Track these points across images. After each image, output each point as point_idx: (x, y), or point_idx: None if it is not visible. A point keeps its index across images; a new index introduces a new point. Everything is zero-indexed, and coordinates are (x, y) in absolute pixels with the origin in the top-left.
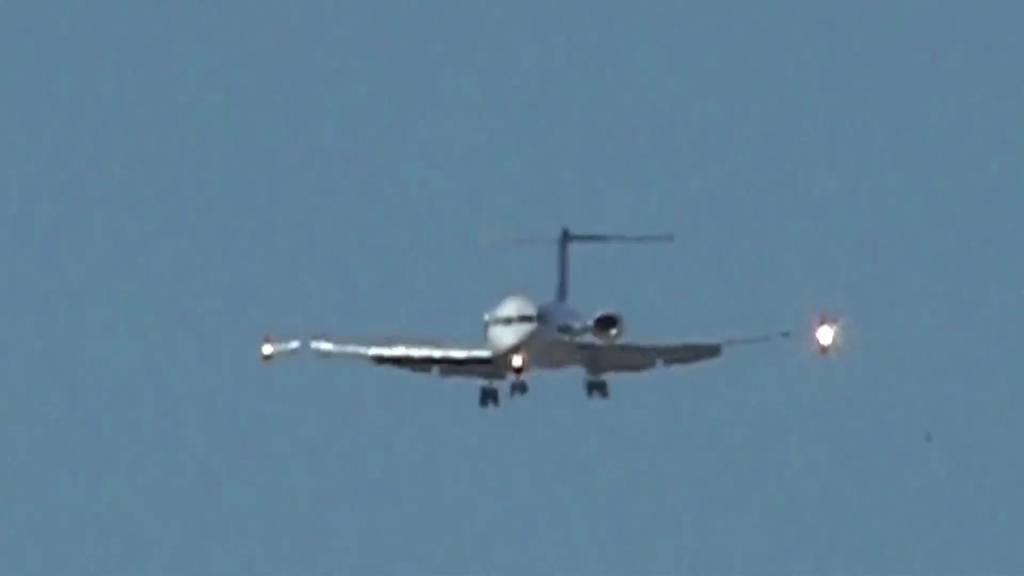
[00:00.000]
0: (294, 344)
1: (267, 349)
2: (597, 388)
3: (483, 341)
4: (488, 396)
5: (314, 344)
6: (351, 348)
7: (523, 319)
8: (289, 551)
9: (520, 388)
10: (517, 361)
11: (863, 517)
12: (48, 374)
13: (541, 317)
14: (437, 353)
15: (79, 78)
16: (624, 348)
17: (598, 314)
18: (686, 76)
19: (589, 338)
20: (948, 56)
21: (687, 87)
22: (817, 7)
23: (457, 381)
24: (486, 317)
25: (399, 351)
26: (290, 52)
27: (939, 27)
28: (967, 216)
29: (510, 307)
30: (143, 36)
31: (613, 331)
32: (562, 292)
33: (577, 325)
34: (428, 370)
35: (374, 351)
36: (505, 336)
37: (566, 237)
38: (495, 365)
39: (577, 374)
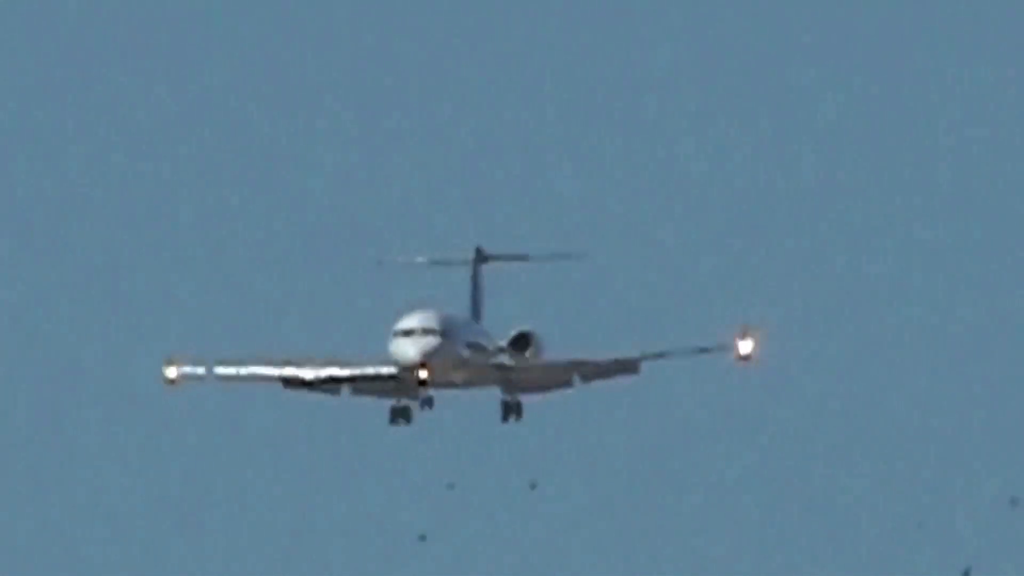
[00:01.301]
0: (198, 369)
1: (171, 373)
2: (512, 408)
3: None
4: (398, 415)
5: (218, 368)
6: (256, 370)
7: (426, 331)
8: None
9: (428, 402)
10: (423, 374)
11: (790, 527)
12: None
13: (444, 331)
14: (344, 372)
15: None
16: (538, 366)
17: (513, 333)
18: (595, 91)
19: (502, 357)
20: (883, 58)
21: (598, 101)
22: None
23: (367, 401)
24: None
25: (305, 372)
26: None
27: (872, 28)
28: (888, 223)
29: (412, 320)
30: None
31: (529, 350)
32: (475, 312)
33: (490, 346)
34: (337, 392)
35: (280, 372)
36: (407, 349)
37: (479, 257)
38: (404, 382)
39: (493, 395)
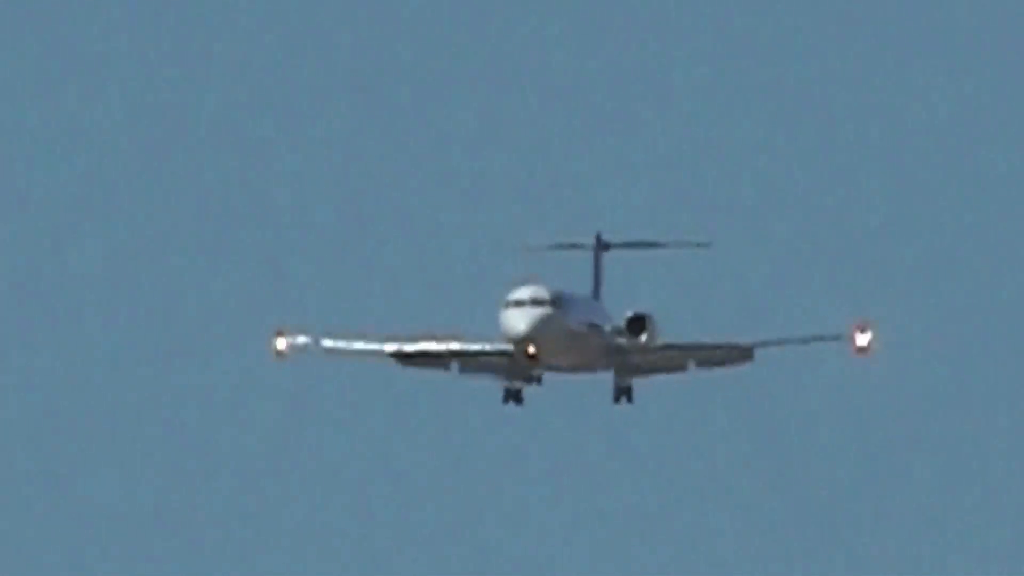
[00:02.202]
0: (307, 340)
1: (280, 344)
2: (624, 391)
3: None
4: (510, 396)
5: (327, 341)
6: (366, 344)
7: (536, 303)
8: (303, 552)
9: (536, 379)
10: (531, 348)
11: (901, 523)
12: (54, 373)
13: (556, 302)
14: (456, 347)
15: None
16: (653, 348)
17: (629, 314)
18: (720, 83)
19: (617, 338)
20: (976, 55)
21: (721, 93)
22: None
23: (480, 382)
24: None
25: (417, 346)
26: (305, 51)
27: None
28: (1008, 217)
29: (523, 291)
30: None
31: (645, 333)
32: (596, 297)
33: (607, 327)
34: (447, 368)
35: (391, 347)
36: (517, 320)
37: (600, 244)
38: (514, 359)
39: (604, 380)
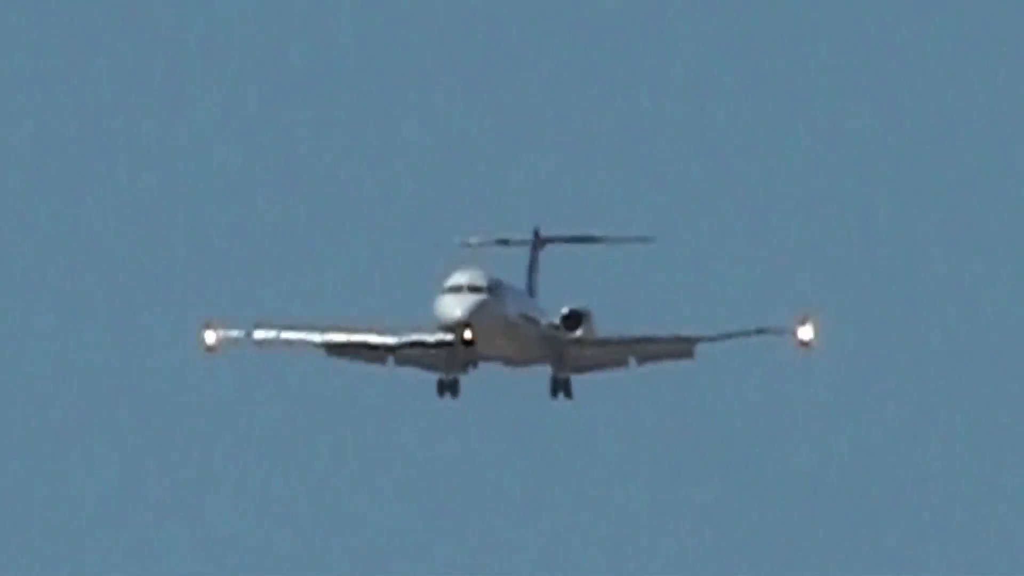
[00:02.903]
0: (238, 332)
1: (210, 338)
2: (561, 386)
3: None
4: (445, 387)
5: (259, 332)
6: (298, 335)
7: (472, 289)
8: (230, 548)
9: (472, 364)
10: (467, 334)
11: (841, 517)
12: None
13: (492, 289)
14: (391, 339)
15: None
16: (591, 342)
17: (565, 310)
18: (663, 76)
19: (554, 332)
20: (923, 52)
21: (664, 87)
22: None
23: (414, 373)
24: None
25: (350, 337)
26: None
27: (905, 25)
28: (949, 211)
29: (459, 276)
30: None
31: (581, 329)
32: (530, 294)
33: (542, 321)
34: (382, 360)
35: (324, 338)
36: (452, 306)
37: (538, 239)
38: (450, 350)
39: (543, 373)
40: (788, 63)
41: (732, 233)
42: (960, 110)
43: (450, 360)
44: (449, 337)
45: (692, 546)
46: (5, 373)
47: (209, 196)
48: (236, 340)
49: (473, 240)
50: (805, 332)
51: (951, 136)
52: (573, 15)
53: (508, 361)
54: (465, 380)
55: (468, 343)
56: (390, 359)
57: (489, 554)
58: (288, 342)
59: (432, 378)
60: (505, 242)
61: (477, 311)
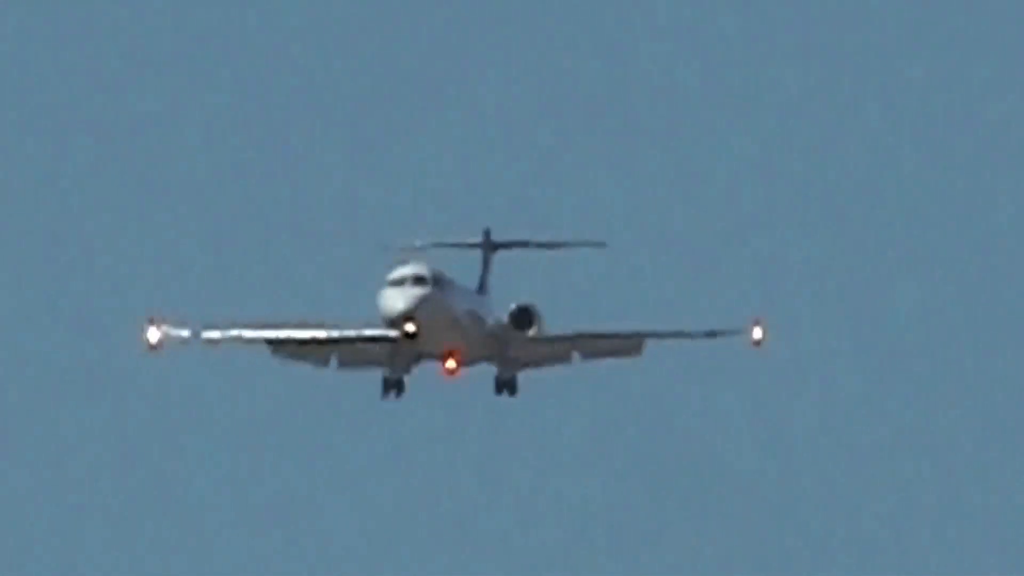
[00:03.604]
0: (181, 331)
1: (152, 336)
2: (506, 384)
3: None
4: (391, 386)
5: (204, 331)
6: (242, 333)
7: (417, 281)
8: (176, 552)
9: (415, 359)
10: (409, 327)
11: (791, 517)
12: None
13: (436, 281)
14: (335, 334)
15: None
16: (537, 339)
17: (513, 307)
18: (614, 80)
19: (498, 330)
20: (877, 50)
21: (614, 90)
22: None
23: (358, 374)
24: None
25: (295, 333)
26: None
27: (859, 22)
28: (901, 213)
29: (403, 269)
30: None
31: (530, 328)
32: (482, 291)
33: (488, 318)
34: (325, 361)
35: (267, 334)
36: (395, 299)
37: (489, 242)
38: (394, 347)
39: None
40: (738, 66)
41: (686, 238)
42: (915, 112)
43: (394, 356)
44: (392, 333)
45: (636, 543)
46: None
47: (158, 195)
48: (180, 339)
49: (418, 243)
50: (757, 333)
51: (906, 137)
52: (529, 17)
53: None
54: (409, 379)
55: (411, 336)
56: (333, 360)
57: (435, 552)
58: (232, 339)
59: (376, 379)
60: (451, 245)
61: (421, 304)
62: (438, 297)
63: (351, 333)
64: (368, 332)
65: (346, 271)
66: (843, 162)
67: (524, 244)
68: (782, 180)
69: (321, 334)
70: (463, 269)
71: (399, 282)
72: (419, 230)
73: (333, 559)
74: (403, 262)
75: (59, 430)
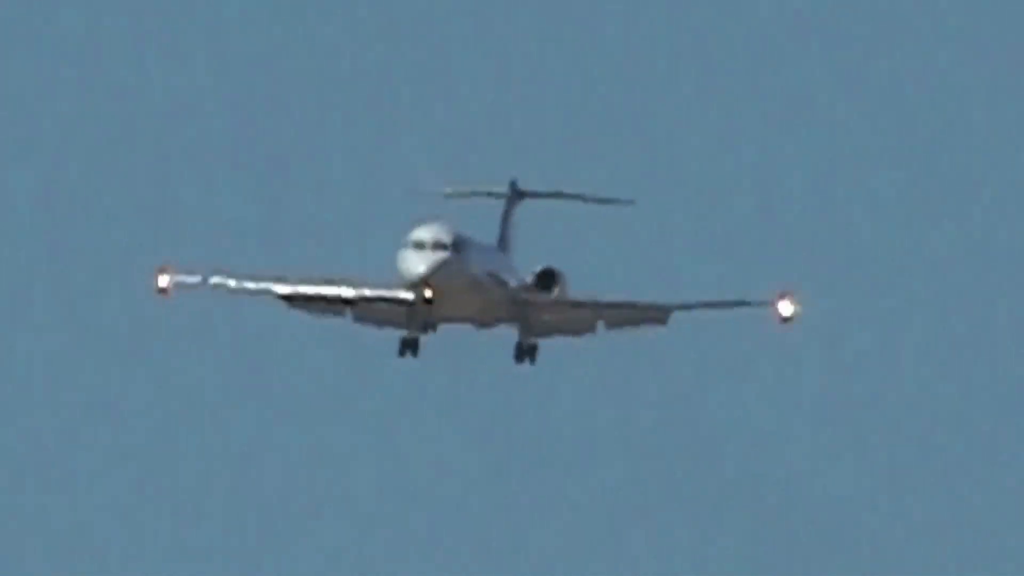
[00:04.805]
0: (193, 278)
1: (163, 281)
2: (527, 351)
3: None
4: (407, 346)
5: (215, 279)
6: (256, 284)
7: (437, 245)
8: (181, 505)
9: (431, 326)
10: (428, 293)
11: (813, 496)
12: None
13: (457, 245)
14: (351, 291)
15: None
16: (560, 304)
17: (537, 269)
18: (656, 37)
19: (523, 292)
20: (913, 34)
21: (656, 47)
22: None
23: (374, 331)
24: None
25: (310, 289)
26: None
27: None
28: (935, 189)
29: (424, 231)
30: None
31: (554, 290)
32: (503, 250)
33: (511, 280)
34: (341, 313)
35: (283, 288)
36: (415, 262)
37: (515, 192)
38: (411, 307)
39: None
40: (783, 28)
41: (717, 202)
42: (946, 91)
43: (410, 318)
44: (409, 295)
45: (655, 517)
46: None
47: (180, 143)
48: (191, 285)
49: (447, 190)
50: (785, 307)
51: (940, 114)
52: None
53: (472, 321)
54: (426, 341)
55: (428, 301)
56: (348, 314)
57: (446, 520)
58: (244, 290)
59: (392, 336)
60: (479, 193)
61: (439, 269)
62: (458, 262)
63: (367, 292)
64: (385, 293)
65: (371, 219)
66: (886, 129)
67: (551, 195)
68: (825, 145)
69: (337, 291)
70: (481, 219)
71: (418, 245)
72: (445, 178)
73: (337, 516)
74: (423, 222)
75: (70, 376)
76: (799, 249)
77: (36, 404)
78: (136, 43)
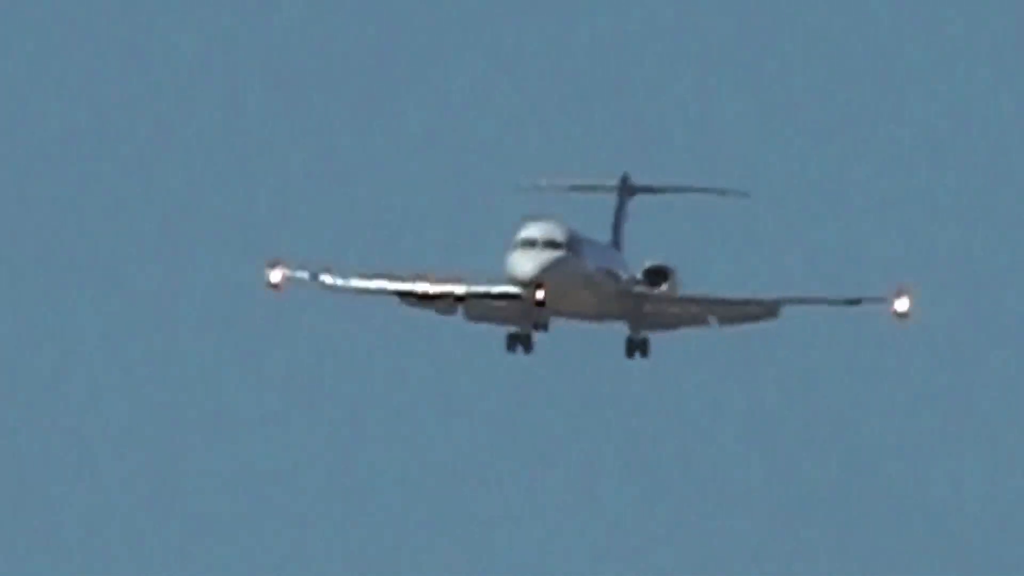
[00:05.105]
0: (304, 274)
1: (275, 276)
2: (638, 346)
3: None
4: (517, 341)
5: (327, 276)
6: (367, 282)
7: (548, 245)
8: (290, 498)
9: (543, 326)
10: (539, 294)
11: (929, 494)
12: (44, 295)
13: (569, 244)
14: (462, 288)
15: None
16: (672, 299)
17: (648, 264)
18: (774, 27)
19: (632, 287)
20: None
21: (767, 39)
22: None
23: (485, 327)
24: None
25: (421, 287)
26: None
27: None
28: None
29: (534, 229)
30: None
31: (664, 286)
32: (616, 245)
33: (623, 275)
34: (453, 311)
35: (395, 286)
36: (524, 262)
37: (625, 185)
38: (523, 303)
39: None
40: (907, 16)
41: (833, 196)
42: None
43: (521, 314)
44: (519, 291)
45: (766, 509)
46: (68, 303)
47: (286, 141)
48: (302, 281)
49: (558, 184)
50: (902, 304)
51: None
52: None
53: (584, 317)
54: (538, 336)
55: (540, 303)
56: (460, 310)
57: (557, 515)
58: (357, 288)
59: (502, 332)
60: (589, 188)
61: (551, 269)
62: (570, 261)
63: (478, 289)
64: (496, 289)
65: (481, 212)
66: (1010, 126)
67: (663, 190)
68: (944, 139)
69: (447, 288)
70: (590, 214)
71: (529, 243)
72: (555, 172)
73: (448, 514)
74: (533, 221)
75: (179, 367)
76: (918, 246)
77: (145, 402)
78: (242, 33)
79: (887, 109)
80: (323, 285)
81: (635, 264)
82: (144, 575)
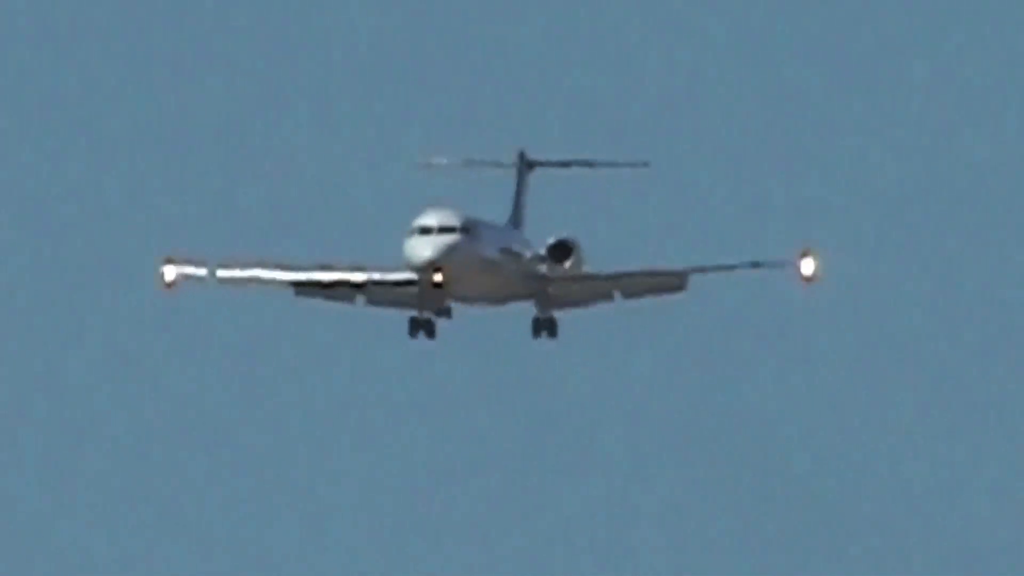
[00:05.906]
0: (199, 270)
1: (169, 274)
2: (545, 326)
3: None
4: (419, 327)
5: (222, 271)
6: (263, 274)
7: (444, 230)
8: (193, 495)
9: (444, 312)
10: (437, 277)
11: (836, 462)
12: None
13: (466, 229)
14: (360, 277)
15: None
16: (576, 277)
17: (551, 240)
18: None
19: (537, 266)
20: None
21: (665, 6)
22: None
23: (387, 312)
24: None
25: (318, 276)
26: None
27: None
28: (955, 143)
29: (430, 216)
30: None
31: (569, 261)
32: (516, 223)
33: (525, 253)
34: (351, 299)
35: (294, 276)
36: (421, 248)
37: (524, 162)
38: (424, 289)
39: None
40: None
41: (731, 162)
42: (965, 49)
43: (422, 299)
44: (417, 277)
45: (680, 489)
46: None
47: (177, 132)
48: (197, 278)
49: (455, 162)
50: (807, 266)
51: (958, 69)
52: None
53: (489, 300)
54: (440, 320)
55: (437, 285)
56: (359, 298)
57: (468, 502)
58: (250, 280)
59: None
60: (484, 163)
61: (448, 252)
62: (467, 244)
63: (377, 276)
64: (394, 276)
65: (377, 193)
66: (904, 84)
67: (561, 164)
68: (840, 97)
69: (346, 276)
70: (497, 195)
71: (425, 230)
72: (451, 150)
73: (354, 500)
74: (430, 208)
75: (75, 370)
76: (818, 207)
77: (40, 403)
78: (137, 36)
79: (780, 71)
80: (219, 280)
81: (538, 241)
82: None
